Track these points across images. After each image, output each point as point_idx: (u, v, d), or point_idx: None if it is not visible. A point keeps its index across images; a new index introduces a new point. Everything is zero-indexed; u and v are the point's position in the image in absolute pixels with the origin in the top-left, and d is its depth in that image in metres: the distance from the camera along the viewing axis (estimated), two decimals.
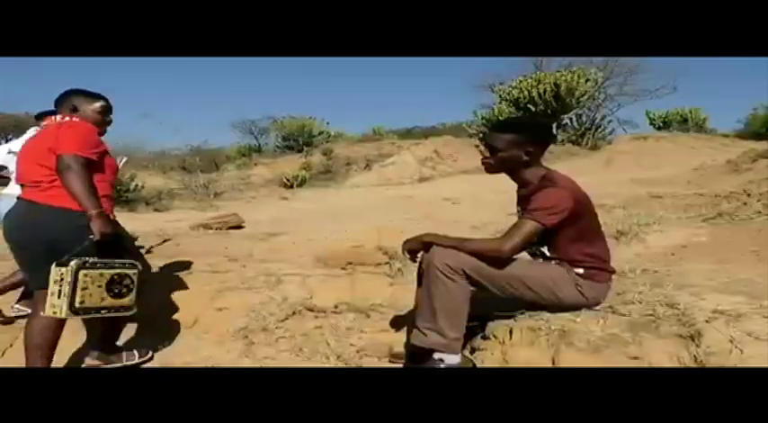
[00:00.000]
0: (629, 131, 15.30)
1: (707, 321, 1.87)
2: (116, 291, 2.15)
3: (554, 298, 2.05)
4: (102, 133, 2.40)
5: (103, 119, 2.42)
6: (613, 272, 2.20)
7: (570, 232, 2.04)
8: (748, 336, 1.74)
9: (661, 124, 15.39)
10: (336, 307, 2.89)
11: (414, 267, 2.43)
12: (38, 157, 2.24)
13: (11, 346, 2.70)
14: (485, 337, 2.19)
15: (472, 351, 2.21)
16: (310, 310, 2.88)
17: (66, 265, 2.03)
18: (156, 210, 7.23)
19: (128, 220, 5.97)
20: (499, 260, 2.03)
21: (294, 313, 2.84)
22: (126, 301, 2.19)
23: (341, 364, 2.36)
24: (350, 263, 3.56)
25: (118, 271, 2.17)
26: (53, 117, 2.45)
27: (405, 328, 2.57)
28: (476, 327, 2.24)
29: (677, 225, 3.97)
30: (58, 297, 2.02)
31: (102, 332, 2.51)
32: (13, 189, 2.87)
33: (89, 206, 2.10)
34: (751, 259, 2.91)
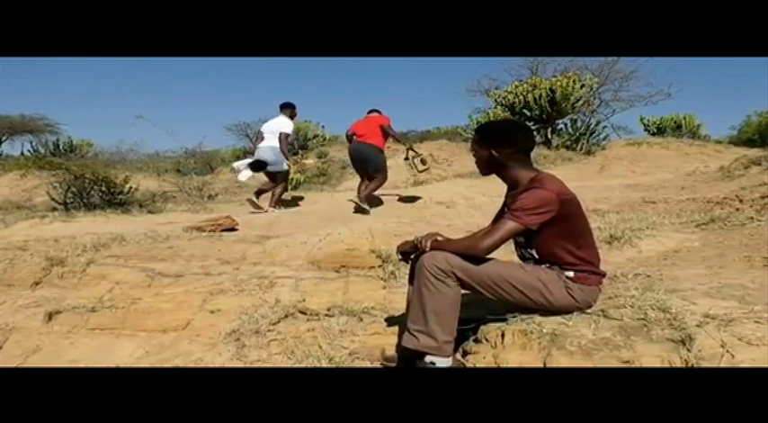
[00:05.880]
0: (624, 137, 15.37)
1: (698, 326, 1.87)
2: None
3: (544, 301, 2.05)
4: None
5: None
6: (604, 275, 2.20)
7: (559, 235, 2.04)
8: (739, 340, 1.74)
9: (655, 130, 15.47)
10: (329, 310, 2.88)
11: (406, 270, 2.43)
12: (367, 128, 6.32)
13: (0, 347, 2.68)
14: (476, 341, 2.18)
15: (464, 354, 2.20)
16: (303, 313, 2.86)
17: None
18: (149, 212, 7.16)
19: (121, 222, 5.95)
20: (487, 262, 2.03)
21: (286, 316, 2.82)
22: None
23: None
24: (343, 266, 3.55)
25: None
26: (372, 113, 6.54)
27: (397, 332, 2.56)
28: (468, 330, 2.24)
29: (670, 230, 3.98)
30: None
31: (369, 187, 6.18)
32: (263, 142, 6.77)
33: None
34: (743, 264, 2.92)
